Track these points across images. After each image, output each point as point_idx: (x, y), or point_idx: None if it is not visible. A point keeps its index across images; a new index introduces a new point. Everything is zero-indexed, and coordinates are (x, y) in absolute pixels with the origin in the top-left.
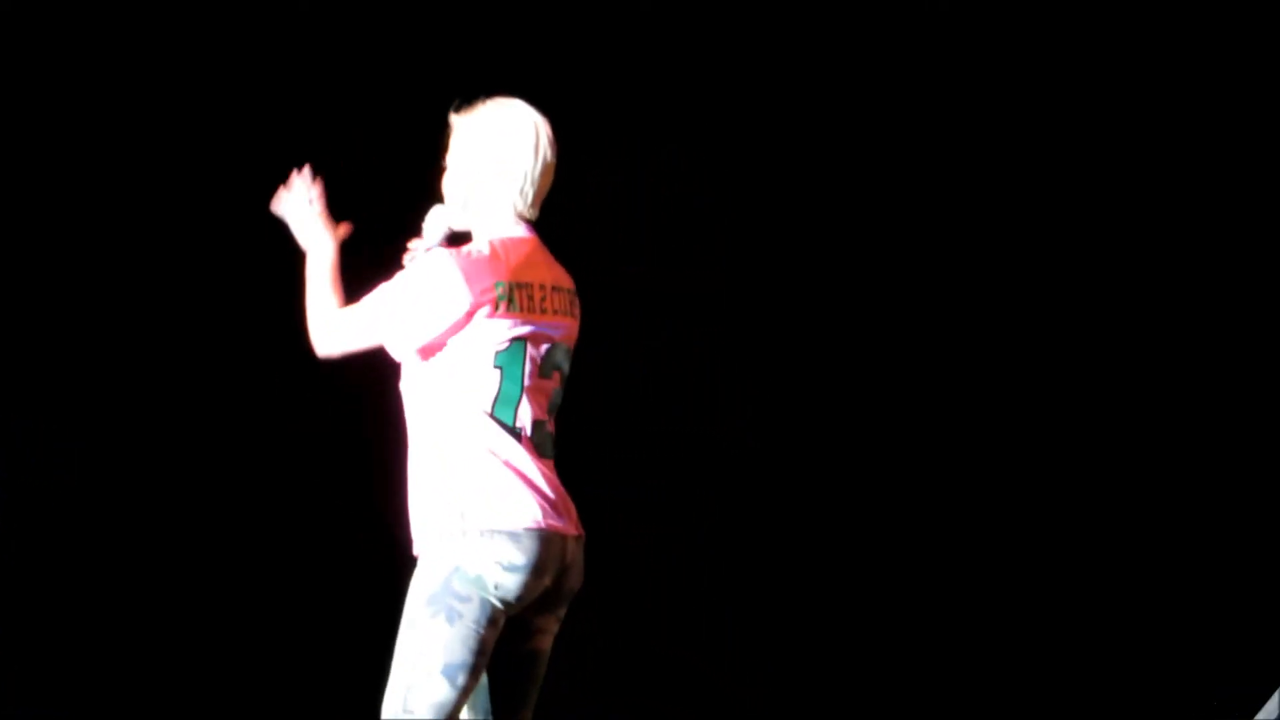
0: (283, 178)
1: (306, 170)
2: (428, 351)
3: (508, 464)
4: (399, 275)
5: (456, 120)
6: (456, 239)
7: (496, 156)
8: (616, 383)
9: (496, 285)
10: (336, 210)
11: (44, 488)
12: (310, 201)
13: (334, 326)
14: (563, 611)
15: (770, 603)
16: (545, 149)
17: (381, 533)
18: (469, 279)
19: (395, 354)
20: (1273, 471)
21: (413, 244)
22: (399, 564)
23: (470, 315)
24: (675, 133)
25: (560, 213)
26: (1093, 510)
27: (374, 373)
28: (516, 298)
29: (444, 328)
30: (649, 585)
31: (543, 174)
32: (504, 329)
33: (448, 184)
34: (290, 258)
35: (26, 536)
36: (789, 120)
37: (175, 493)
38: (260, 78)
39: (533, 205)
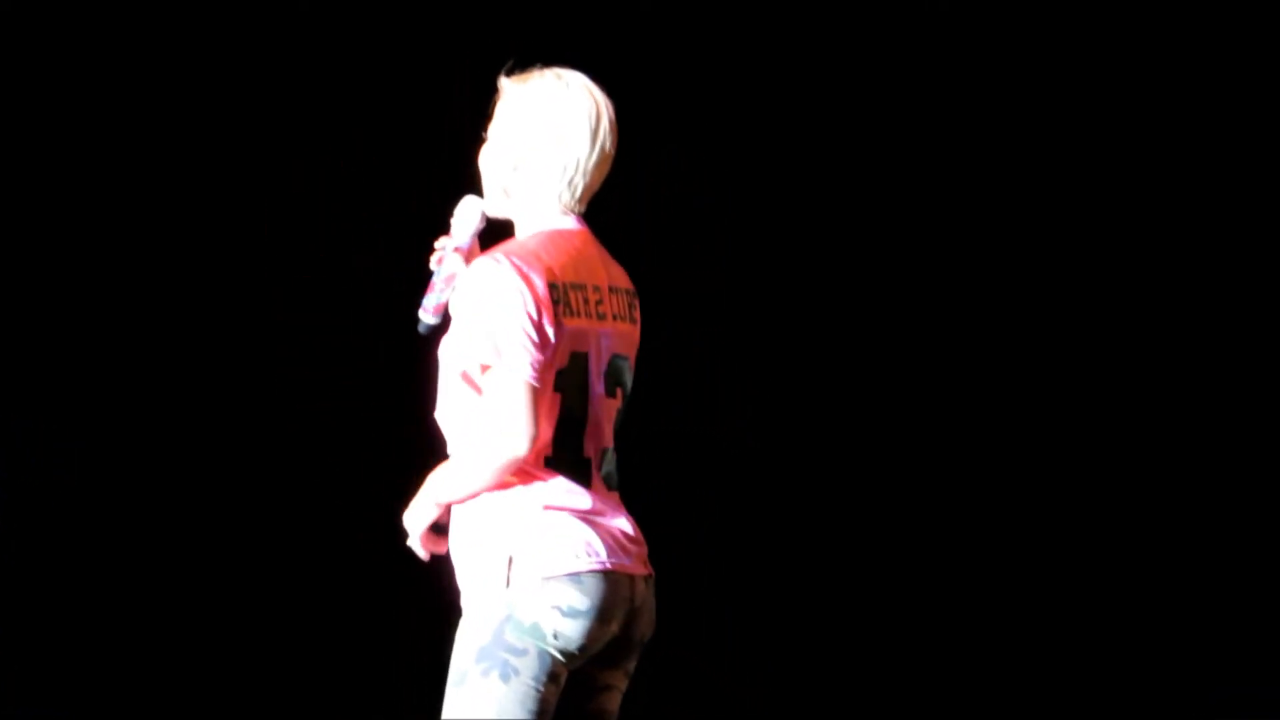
0: (284, 177)
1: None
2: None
3: (566, 499)
4: (438, 280)
5: (506, 85)
6: (492, 231)
7: (548, 136)
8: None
9: (551, 287)
10: (341, 209)
11: (44, 488)
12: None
13: (496, 430)
14: (632, 665)
15: (770, 603)
16: (605, 136)
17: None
18: (530, 286)
19: (541, 379)
20: (1273, 471)
21: (440, 243)
22: (444, 610)
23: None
24: (675, 133)
25: None
26: (1092, 510)
27: (406, 381)
28: (572, 300)
29: (552, 337)
30: (674, 595)
31: (598, 165)
32: (562, 341)
33: (487, 158)
34: (292, 258)
35: (26, 536)
36: (789, 120)
37: (176, 494)
38: (261, 77)
39: (580, 200)
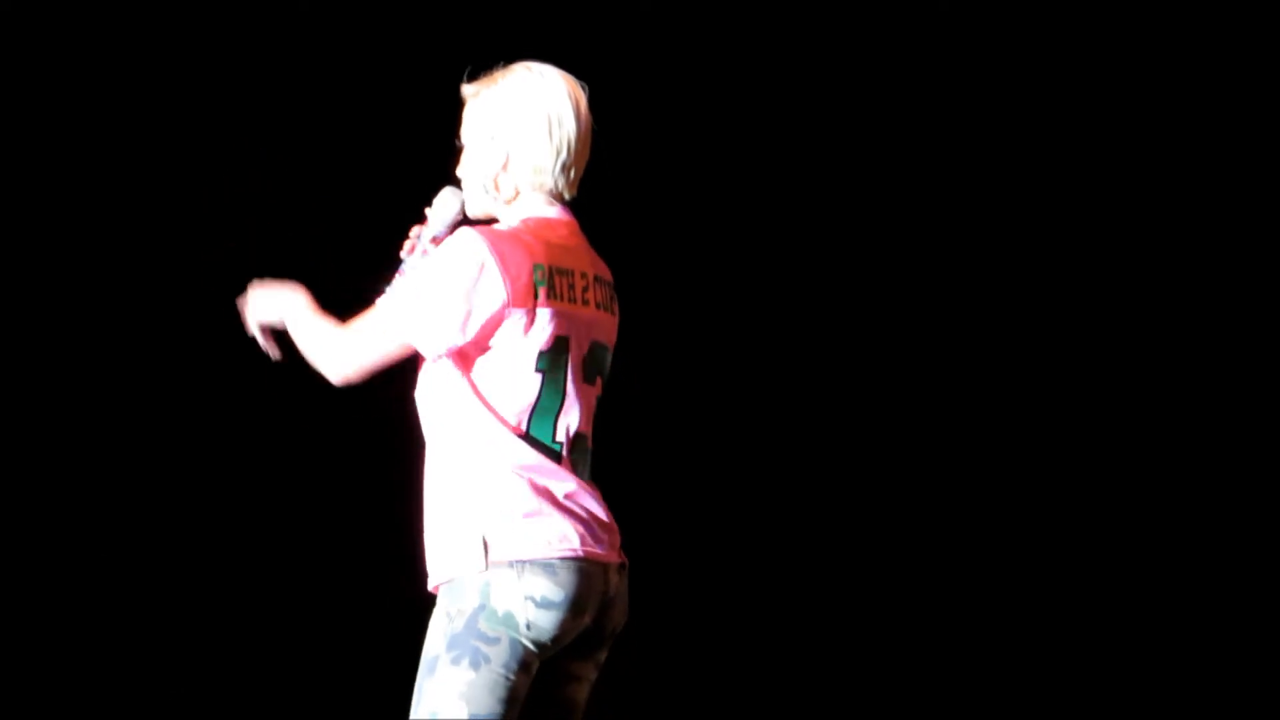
0: (285, 177)
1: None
2: (461, 351)
3: (541, 483)
4: (409, 269)
5: (474, 90)
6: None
7: (538, 125)
8: (615, 382)
9: (535, 269)
10: (341, 209)
11: (44, 488)
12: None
13: (348, 342)
14: (603, 656)
15: (770, 603)
16: (585, 115)
17: (396, 554)
18: (504, 263)
19: (429, 354)
20: (1273, 471)
21: (415, 231)
22: (418, 599)
23: (507, 308)
24: (675, 133)
25: None
26: (1092, 511)
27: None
28: (557, 285)
29: (482, 320)
30: (648, 585)
31: (585, 142)
32: (544, 323)
33: (466, 167)
34: (296, 257)
35: (26, 536)
36: (788, 121)
37: (175, 494)
38: (260, 77)
39: (572, 184)
